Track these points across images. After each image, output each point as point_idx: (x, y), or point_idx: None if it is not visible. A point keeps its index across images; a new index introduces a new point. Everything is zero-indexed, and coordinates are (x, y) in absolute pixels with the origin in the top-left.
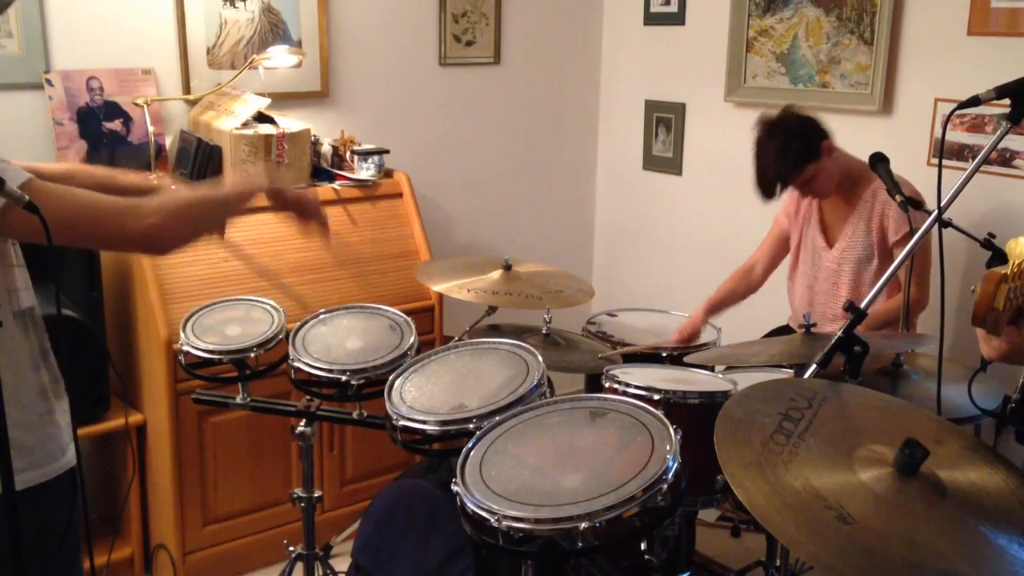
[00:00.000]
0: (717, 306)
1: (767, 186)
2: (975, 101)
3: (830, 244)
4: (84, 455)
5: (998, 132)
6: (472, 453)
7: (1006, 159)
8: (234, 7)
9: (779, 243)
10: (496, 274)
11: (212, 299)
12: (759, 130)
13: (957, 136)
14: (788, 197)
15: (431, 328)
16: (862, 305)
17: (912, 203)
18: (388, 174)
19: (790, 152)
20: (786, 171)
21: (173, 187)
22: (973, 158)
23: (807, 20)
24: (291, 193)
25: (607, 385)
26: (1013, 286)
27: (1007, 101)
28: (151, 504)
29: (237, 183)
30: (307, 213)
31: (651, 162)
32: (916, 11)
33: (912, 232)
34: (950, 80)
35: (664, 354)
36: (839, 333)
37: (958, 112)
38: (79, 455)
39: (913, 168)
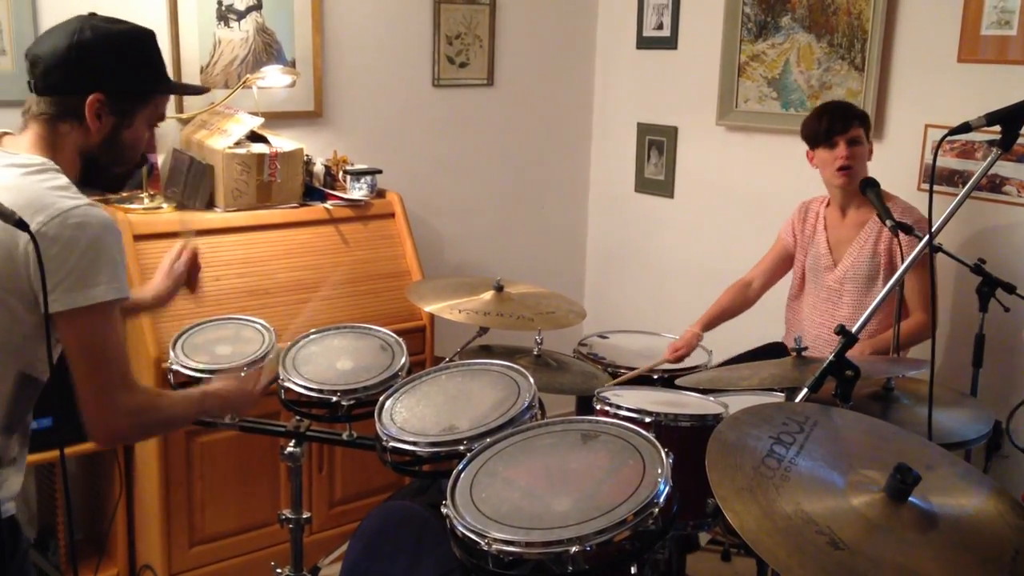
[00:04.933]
0: (712, 321)
1: (832, 122)
2: (966, 128)
3: (835, 262)
4: (71, 474)
5: (988, 158)
6: (463, 475)
7: (996, 185)
8: (228, 26)
9: (780, 261)
10: (488, 295)
11: (202, 318)
12: (822, 105)
13: (947, 162)
14: (794, 215)
15: (422, 349)
16: (854, 329)
17: (903, 228)
18: (380, 194)
19: (856, 108)
20: (851, 114)
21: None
22: (963, 184)
23: (799, 46)
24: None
25: (598, 407)
26: None
27: (997, 128)
28: (137, 524)
29: (228, 394)
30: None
31: (643, 185)
32: (907, 38)
33: (927, 257)
34: (940, 106)
35: (655, 376)
36: (830, 357)
37: (948, 138)
38: (65, 475)
39: (904, 193)
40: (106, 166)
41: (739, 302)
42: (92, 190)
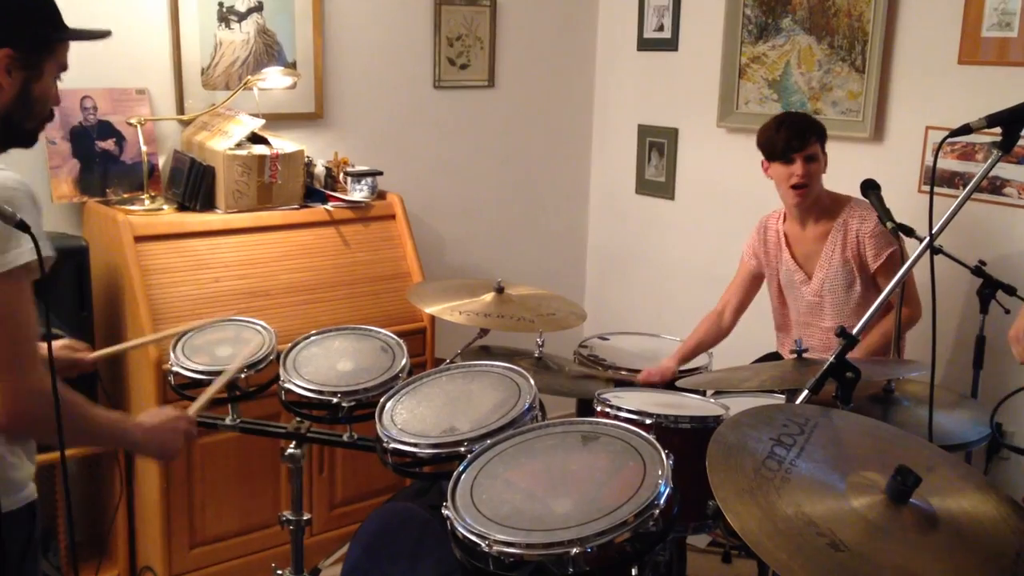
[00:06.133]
0: (688, 355)
1: (790, 139)
2: (966, 129)
3: (809, 277)
4: (71, 476)
5: (989, 160)
6: (463, 476)
7: (996, 187)
8: (229, 28)
9: (748, 283)
10: (488, 297)
11: (203, 319)
12: (779, 116)
13: (948, 164)
14: (753, 237)
15: (423, 350)
16: (854, 332)
17: (904, 229)
18: (381, 196)
19: (812, 121)
20: (809, 131)
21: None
22: (963, 186)
23: (799, 47)
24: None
25: (599, 409)
26: None
27: (998, 129)
28: (138, 526)
29: (142, 437)
30: None
31: (644, 186)
32: (907, 40)
33: (898, 253)
34: (941, 108)
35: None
36: (831, 359)
37: (949, 140)
38: (66, 477)
39: (904, 195)
40: (19, 122)
41: (714, 333)
42: (7, 148)
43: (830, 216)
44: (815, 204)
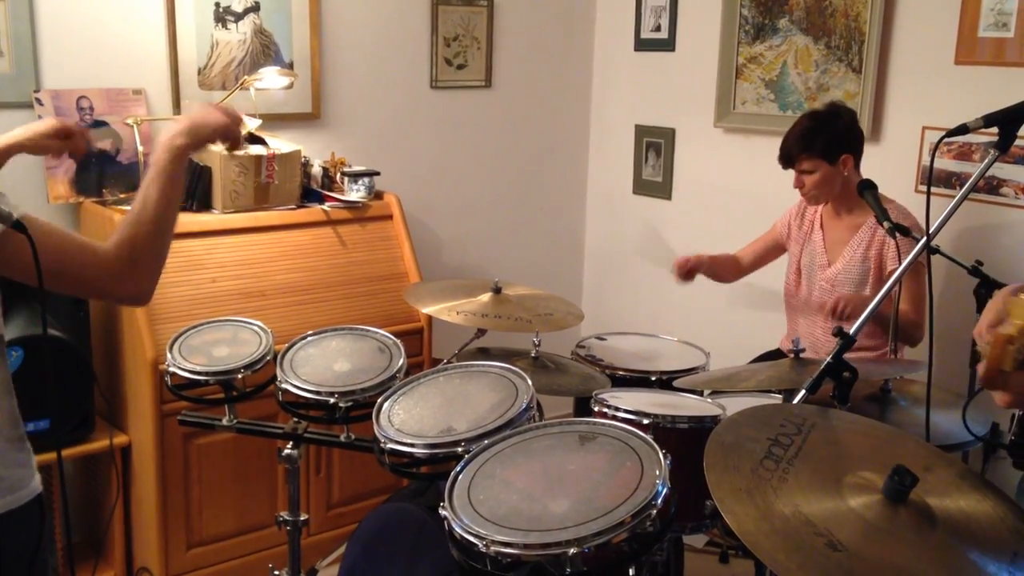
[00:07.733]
0: (713, 263)
1: (783, 153)
2: (963, 129)
3: (830, 262)
4: (68, 476)
5: (986, 160)
6: (460, 477)
7: (993, 187)
8: (226, 28)
9: (769, 248)
10: (486, 297)
11: (200, 320)
12: (814, 110)
13: (945, 164)
14: (792, 209)
15: (420, 350)
16: (851, 332)
17: (900, 229)
18: (378, 196)
19: (812, 137)
20: (797, 148)
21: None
22: (960, 186)
23: (796, 48)
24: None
25: (596, 409)
26: (1019, 345)
27: (995, 129)
28: (135, 527)
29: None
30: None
31: (641, 186)
32: (904, 40)
33: (921, 267)
34: (937, 108)
35: (653, 378)
36: (828, 359)
37: (946, 140)
38: (63, 477)
39: (901, 195)
40: None
41: (731, 268)
42: None
43: (866, 212)
44: (849, 197)
